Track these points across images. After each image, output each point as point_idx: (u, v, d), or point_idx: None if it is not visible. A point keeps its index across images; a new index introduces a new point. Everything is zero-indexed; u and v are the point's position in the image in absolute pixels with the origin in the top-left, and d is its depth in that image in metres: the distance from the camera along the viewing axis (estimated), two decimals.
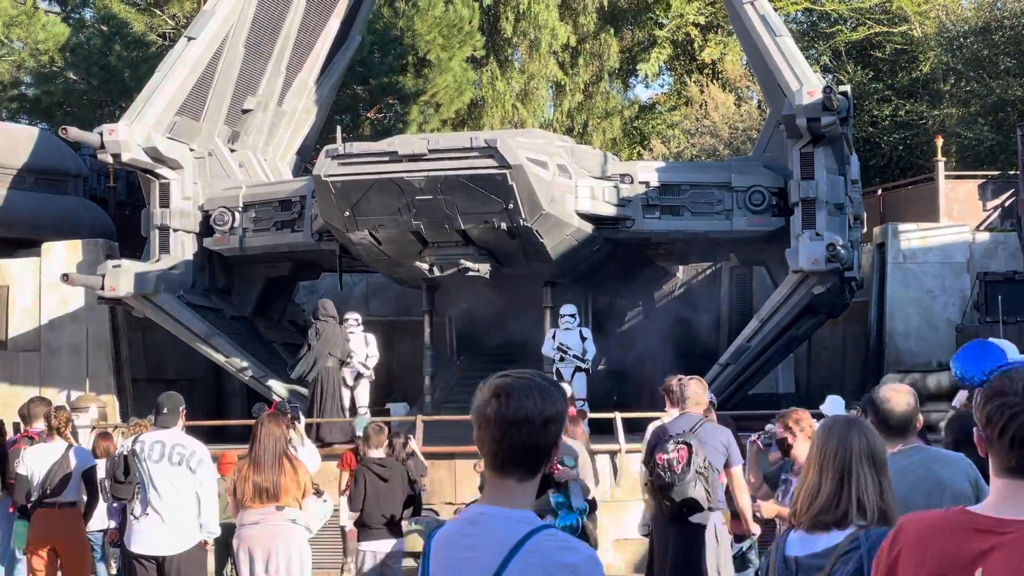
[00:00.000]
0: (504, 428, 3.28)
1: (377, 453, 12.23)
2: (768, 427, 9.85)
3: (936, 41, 30.86)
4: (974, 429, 2.97)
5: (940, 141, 26.04)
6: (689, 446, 9.19)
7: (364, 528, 11.89)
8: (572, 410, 14.22)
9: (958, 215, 24.94)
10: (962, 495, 5.26)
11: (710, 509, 9.35)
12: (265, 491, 9.50)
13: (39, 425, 12.30)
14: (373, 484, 11.85)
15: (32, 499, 11.25)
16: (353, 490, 11.89)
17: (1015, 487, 2.86)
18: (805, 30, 35.75)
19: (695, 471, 9.14)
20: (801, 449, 8.01)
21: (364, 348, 20.26)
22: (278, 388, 21.08)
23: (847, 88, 20.19)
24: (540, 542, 3.24)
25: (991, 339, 3.36)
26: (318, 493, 11.57)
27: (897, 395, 5.61)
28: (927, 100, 31.40)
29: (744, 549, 10.93)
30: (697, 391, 9.70)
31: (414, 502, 12.24)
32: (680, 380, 11.30)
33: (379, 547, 11.93)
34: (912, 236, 23.26)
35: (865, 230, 22.55)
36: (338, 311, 20.30)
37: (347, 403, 20.02)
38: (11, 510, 11.56)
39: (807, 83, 18.64)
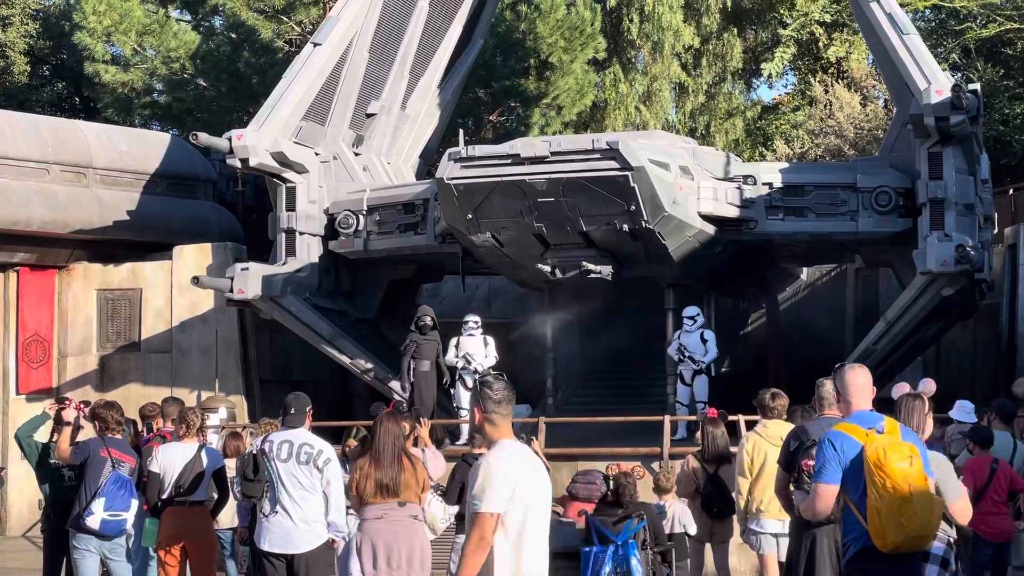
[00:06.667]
0: None
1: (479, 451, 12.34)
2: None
3: None
4: None
5: None
6: None
7: (462, 521, 11.96)
8: (712, 411, 14.20)
9: None
10: None
11: None
12: (386, 487, 9.66)
13: (171, 425, 12.60)
14: None
15: (164, 497, 11.51)
16: (449, 484, 11.96)
17: None
18: (933, 28, 35.09)
19: None
20: None
21: (483, 350, 20.35)
22: (401, 390, 21.29)
23: (977, 86, 19.81)
24: None
25: None
26: (444, 495, 11.70)
27: None
28: None
29: None
30: (832, 392, 9.55)
31: None
32: (773, 393, 11.22)
33: None
34: None
35: (996, 231, 22.08)
36: (460, 313, 20.51)
37: (466, 405, 20.18)
38: (144, 507, 11.84)
39: (935, 82, 18.31)
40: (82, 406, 12.43)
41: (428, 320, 19.65)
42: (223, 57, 30.64)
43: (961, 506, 7.98)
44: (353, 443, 12.40)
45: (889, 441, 7.08)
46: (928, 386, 12.47)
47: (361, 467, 9.82)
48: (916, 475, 6.97)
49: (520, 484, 6.39)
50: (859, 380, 7.51)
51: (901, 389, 11.92)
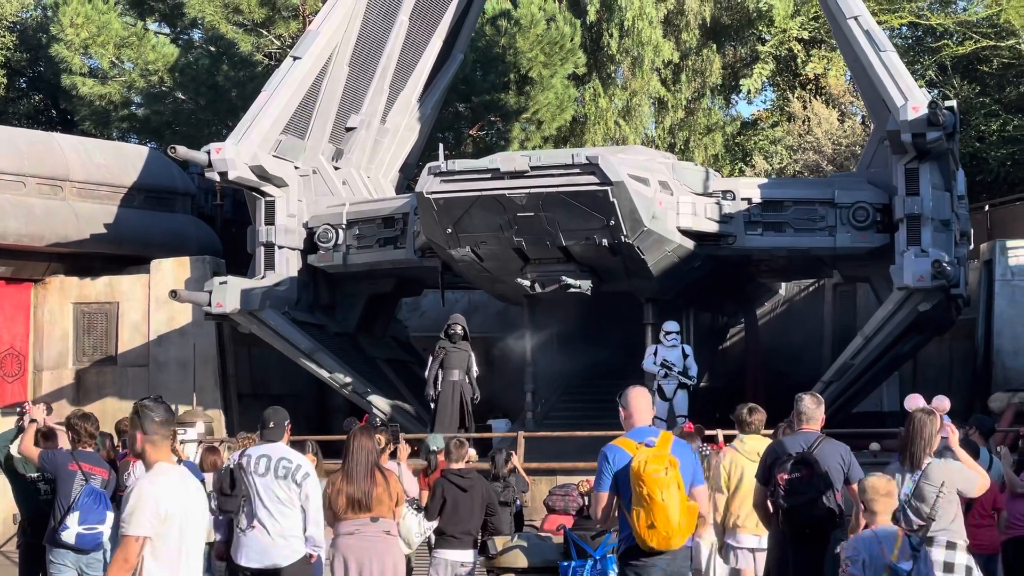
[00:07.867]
0: None
1: (458, 467, 12.31)
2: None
3: None
4: None
5: None
6: (810, 465, 9.13)
7: (441, 536, 11.96)
8: (690, 425, 14.19)
9: None
10: None
11: (832, 527, 9.27)
12: (357, 502, 9.65)
13: None
14: (452, 494, 11.92)
15: None
16: (430, 501, 11.96)
17: None
18: (910, 45, 35.26)
19: (816, 491, 9.08)
20: None
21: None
22: (380, 403, 21.26)
23: (953, 103, 19.92)
24: None
25: None
26: (419, 509, 11.67)
27: None
28: None
29: None
30: (810, 407, 9.54)
31: (515, 519, 12.21)
32: (751, 407, 11.23)
33: (454, 556, 11.96)
34: (1020, 253, 22.82)
35: (972, 247, 22.20)
36: (440, 328, 20.50)
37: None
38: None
39: (912, 98, 18.43)
40: (44, 407, 12.35)
41: (459, 329, 19.64)
42: (202, 70, 30.59)
43: (982, 483, 9.23)
44: (311, 457, 12.30)
45: (653, 454, 7.95)
46: (942, 403, 12.53)
47: (333, 482, 9.81)
48: (668, 483, 7.84)
49: (173, 508, 6.41)
50: (640, 401, 8.39)
51: (914, 401, 11.88)
